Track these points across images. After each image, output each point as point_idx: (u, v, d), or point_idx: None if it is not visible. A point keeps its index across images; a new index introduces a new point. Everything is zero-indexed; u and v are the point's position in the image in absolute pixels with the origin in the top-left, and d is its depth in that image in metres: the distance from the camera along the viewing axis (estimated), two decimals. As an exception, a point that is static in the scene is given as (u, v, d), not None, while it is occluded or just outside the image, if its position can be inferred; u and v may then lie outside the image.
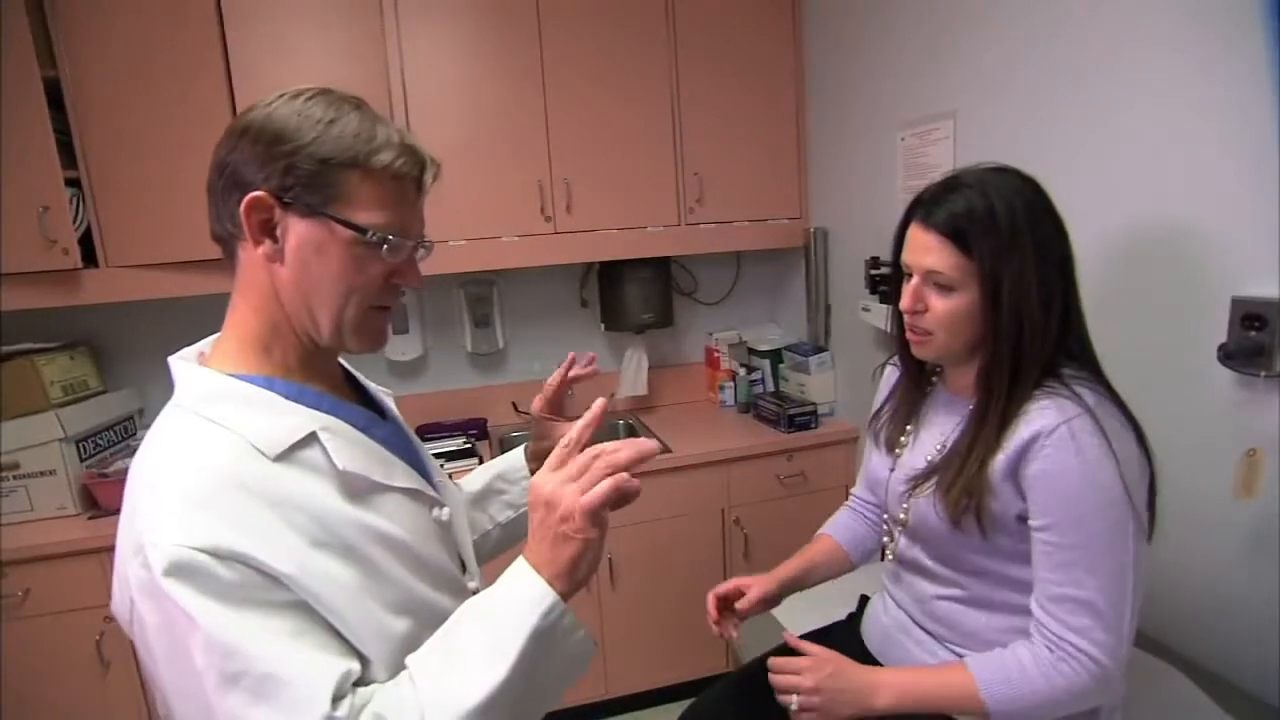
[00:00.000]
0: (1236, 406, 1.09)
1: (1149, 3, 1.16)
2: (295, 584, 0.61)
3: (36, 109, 1.64)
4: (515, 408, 2.40)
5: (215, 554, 0.58)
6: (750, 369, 2.48)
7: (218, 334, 0.75)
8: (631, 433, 2.35)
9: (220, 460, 0.63)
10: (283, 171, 0.66)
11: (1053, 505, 0.84)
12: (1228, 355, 1.05)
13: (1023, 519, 0.88)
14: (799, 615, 1.48)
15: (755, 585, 1.13)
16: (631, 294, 2.31)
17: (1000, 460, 0.87)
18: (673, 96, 2.14)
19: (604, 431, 2.49)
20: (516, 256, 2.09)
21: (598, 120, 2.08)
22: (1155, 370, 1.16)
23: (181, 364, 0.71)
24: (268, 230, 0.68)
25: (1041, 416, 0.85)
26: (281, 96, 0.69)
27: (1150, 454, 0.89)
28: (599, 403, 0.69)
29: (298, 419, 0.69)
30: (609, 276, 2.35)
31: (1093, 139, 1.28)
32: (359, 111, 0.70)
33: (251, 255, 0.69)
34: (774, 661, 0.97)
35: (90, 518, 1.75)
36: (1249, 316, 1.04)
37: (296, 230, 0.68)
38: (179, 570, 0.57)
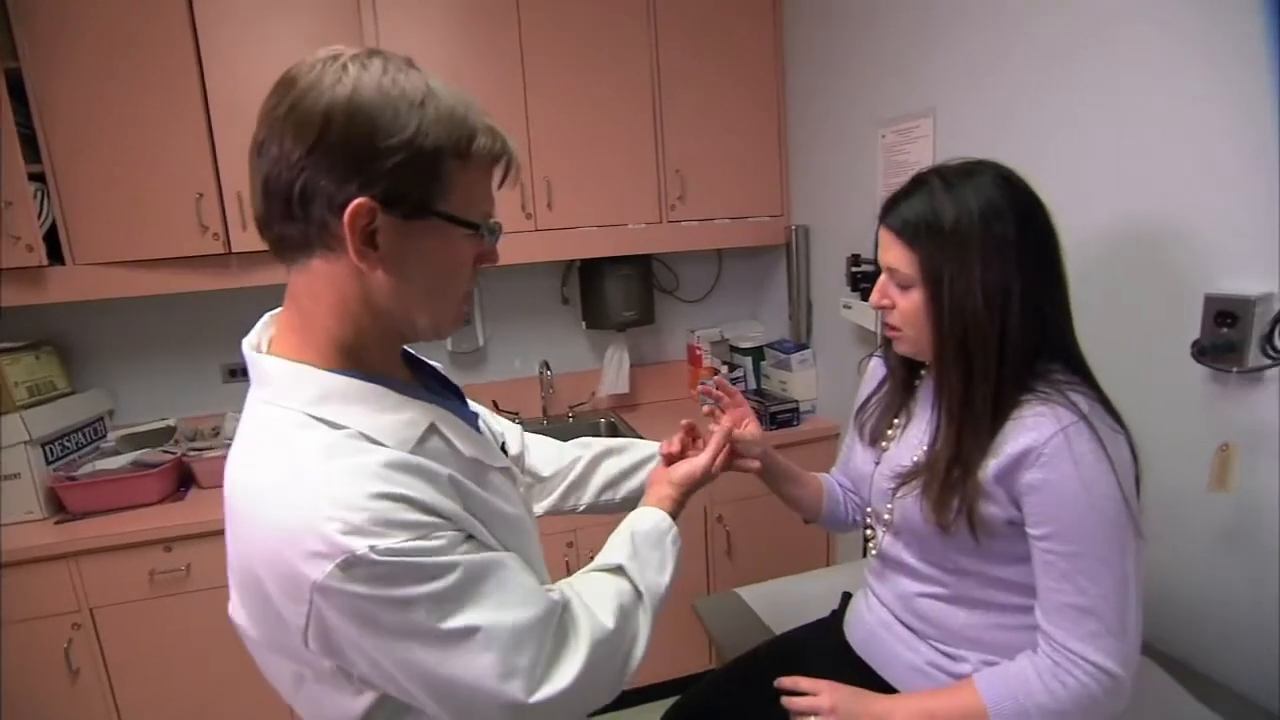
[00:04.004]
0: (1210, 402, 1.11)
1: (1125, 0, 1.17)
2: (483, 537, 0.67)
3: (-2, 101, 1.59)
4: (496, 406, 2.37)
5: (419, 530, 0.59)
6: (732, 366, 2.48)
7: (265, 330, 0.70)
8: (613, 430, 2.34)
9: (370, 452, 0.61)
10: (387, 173, 0.59)
11: (1052, 514, 0.83)
12: (1201, 351, 1.07)
13: (1013, 524, 0.88)
14: (782, 612, 1.48)
15: (755, 427, 1.18)
16: (613, 291, 2.30)
17: (992, 466, 0.86)
18: (654, 94, 2.13)
19: (585, 429, 2.47)
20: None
21: (578, 117, 2.07)
22: (1130, 366, 1.17)
23: (281, 363, 0.65)
24: (369, 239, 0.61)
25: (1037, 425, 0.84)
26: (345, 68, 0.59)
27: (1138, 457, 0.88)
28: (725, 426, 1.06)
29: (414, 413, 0.67)
30: (590, 274, 2.33)
31: (1068, 136, 1.29)
32: (428, 79, 0.62)
33: (336, 264, 0.62)
34: (787, 681, 1.00)
35: (58, 522, 1.69)
36: (1221, 314, 1.05)
37: (402, 233, 0.62)
38: (392, 553, 0.57)
